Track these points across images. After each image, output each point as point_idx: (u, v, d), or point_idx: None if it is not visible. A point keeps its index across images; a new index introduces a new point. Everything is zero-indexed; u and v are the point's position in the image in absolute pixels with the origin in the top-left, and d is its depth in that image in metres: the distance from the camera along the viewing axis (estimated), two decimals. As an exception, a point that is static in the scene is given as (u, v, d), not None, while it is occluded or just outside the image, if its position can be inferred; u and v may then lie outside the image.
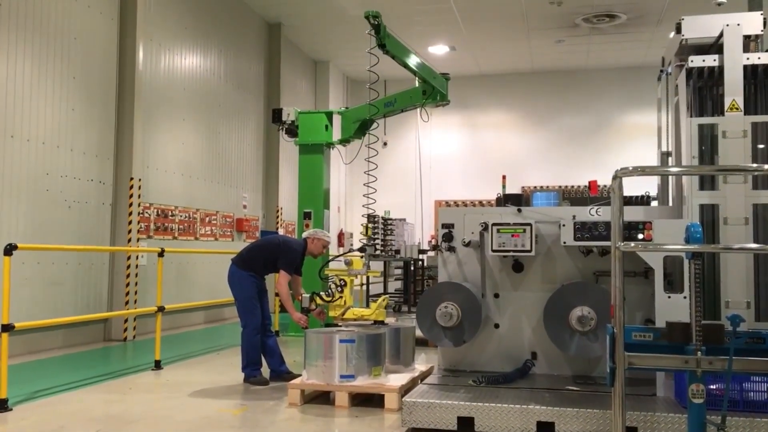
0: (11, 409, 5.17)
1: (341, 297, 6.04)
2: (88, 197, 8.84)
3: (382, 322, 5.86)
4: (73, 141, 8.61)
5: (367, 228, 6.50)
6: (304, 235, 6.68)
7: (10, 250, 5.24)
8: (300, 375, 5.95)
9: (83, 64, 8.81)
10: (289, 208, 14.24)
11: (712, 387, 3.90)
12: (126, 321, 9.10)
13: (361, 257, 6.32)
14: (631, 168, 3.03)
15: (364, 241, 6.34)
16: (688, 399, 3.07)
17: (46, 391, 5.85)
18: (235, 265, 6.44)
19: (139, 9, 9.53)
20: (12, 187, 7.65)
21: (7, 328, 5.20)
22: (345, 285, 6.07)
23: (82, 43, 8.79)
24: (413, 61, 8.66)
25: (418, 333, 5.95)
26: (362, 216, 7.14)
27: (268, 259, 6.38)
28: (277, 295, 7.29)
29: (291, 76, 14.89)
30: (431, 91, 9.20)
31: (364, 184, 7.50)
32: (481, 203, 16.91)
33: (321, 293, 6.19)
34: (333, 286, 6.08)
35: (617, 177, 3.05)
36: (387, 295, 6.07)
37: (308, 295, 6.20)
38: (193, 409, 5.33)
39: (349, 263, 6.14)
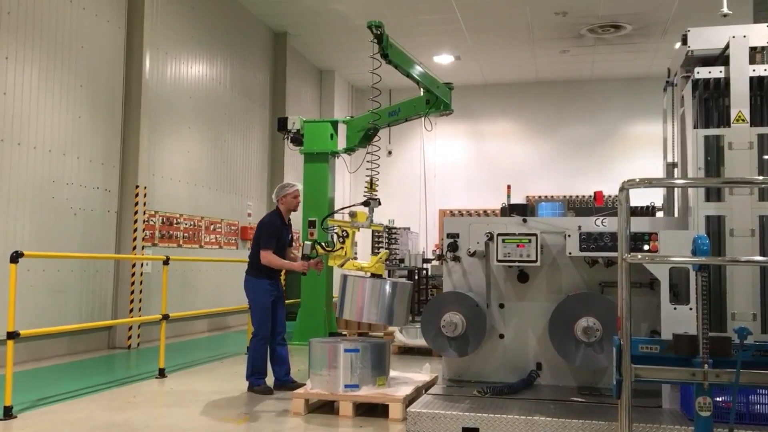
0: (16, 417, 5.17)
1: (342, 248, 6.00)
2: (93, 205, 8.86)
3: (379, 276, 5.78)
4: (80, 149, 8.64)
5: (371, 182, 6.45)
6: (273, 199, 6.61)
7: (16, 257, 5.25)
8: (305, 384, 5.97)
9: (90, 72, 8.86)
10: (293, 217, 14.23)
11: (718, 399, 3.89)
12: (130, 329, 9.10)
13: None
14: (638, 180, 3.03)
15: (368, 195, 6.29)
16: (695, 412, 3.06)
17: (51, 399, 5.85)
18: (246, 273, 6.44)
19: (146, 18, 9.59)
20: (18, 194, 7.68)
21: (13, 335, 5.20)
22: (347, 236, 6.02)
23: (89, 52, 8.84)
24: (416, 70, 8.67)
25: (423, 342, 5.93)
26: (366, 170, 7.06)
27: (258, 248, 6.35)
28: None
29: (296, 85, 14.94)
30: (434, 101, 9.21)
31: (370, 98, 7.36)
32: (485, 213, 16.90)
33: (322, 242, 6.15)
34: (335, 236, 6.06)
35: (624, 189, 3.05)
36: (387, 250, 6.03)
37: (309, 243, 6.15)
38: (197, 418, 5.32)
39: (353, 215, 6.09)
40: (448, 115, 9.70)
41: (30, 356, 7.70)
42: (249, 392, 6.22)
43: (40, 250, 7.74)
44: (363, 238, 17.17)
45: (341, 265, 6.00)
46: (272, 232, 6.33)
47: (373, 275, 5.75)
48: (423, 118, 9.73)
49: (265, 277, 6.34)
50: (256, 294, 6.33)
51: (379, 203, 6.28)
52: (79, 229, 8.60)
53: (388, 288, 5.51)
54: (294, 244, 6.83)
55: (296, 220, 14.02)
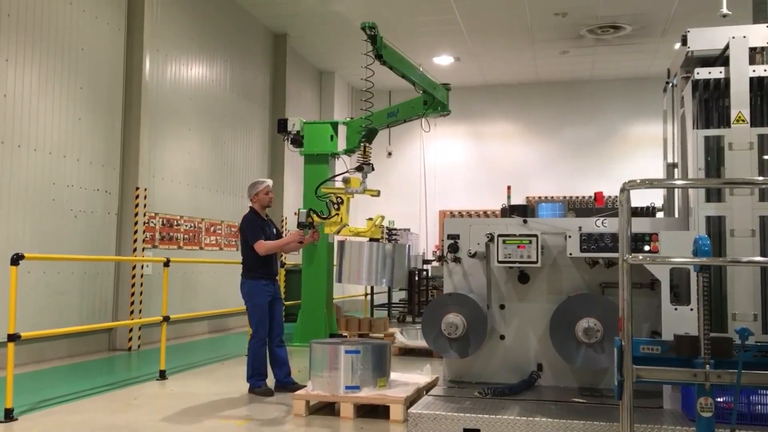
0: (17, 419, 5.17)
1: (338, 214, 5.98)
2: (94, 207, 8.86)
3: (377, 240, 5.75)
4: (80, 151, 8.65)
5: (365, 148, 6.40)
6: (248, 199, 6.61)
7: (17, 260, 5.25)
8: (305, 386, 5.97)
9: (90, 74, 8.86)
10: (293, 218, 14.24)
11: (719, 400, 3.89)
12: (131, 330, 9.10)
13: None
14: (638, 181, 3.03)
15: (362, 160, 6.26)
16: (697, 413, 3.06)
17: (51, 401, 5.85)
18: (241, 276, 6.44)
19: (146, 20, 9.59)
20: (19, 196, 7.68)
21: (14, 337, 5.20)
22: (342, 203, 6.01)
23: (89, 54, 8.84)
24: (412, 71, 8.65)
25: (423, 344, 5.92)
26: (361, 135, 6.99)
27: (248, 249, 6.34)
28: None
29: (296, 86, 14.94)
30: (432, 101, 9.21)
31: (363, 99, 7.30)
32: (485, 213, 16.90)
33: (318, 211, 6.14)
34: (330, 203, 6.04)
35: (625, 190, 3.05)
36: (383, 216, 6.02)
37: (305, 211, 6.13)
38: (198, 419, 5.32)
39: (346, 181, 6.07)
40: (445, 115, 9.69)
41: (31, 358, 7.70)
42: (250, 394, 6.21)
43: (41, 252, 7.74)
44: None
45: (337, 232, 5.99)
46: (255, 227, 6.35)
47: (371, 239, 5.75)
48: (421, 119, 9.72)
49: (261, 278, 6.34)
50: (252, 295, 6.32)
51: (373, 168, 6.24)
52: (80, 231, 8.60)
53: (386, 250, 5.49)
54: (284, 235, 6.78)
55: (296, 221, 14.03)
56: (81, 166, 8.66)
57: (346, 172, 6.27)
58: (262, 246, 6.23)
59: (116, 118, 9.35)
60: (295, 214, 6.23)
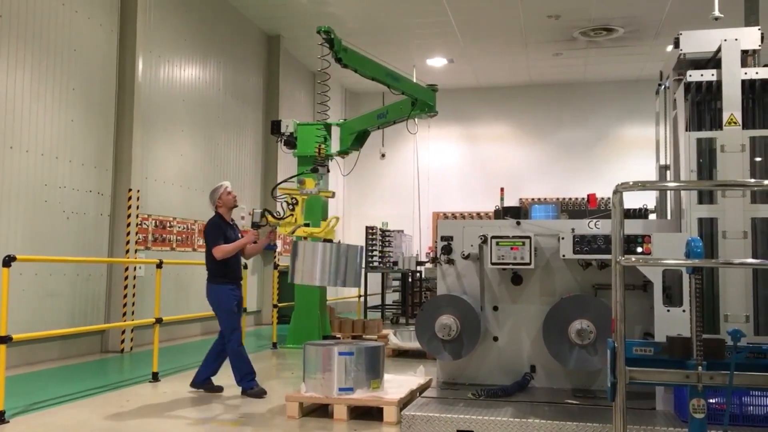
0: (8, 422, 5.14)
1: (292, 215, 5.99)
2: (86, 208, 8.83)
3: (330, 240, 5.76)
4: (72, 152, 8.61)
5: (319, 149, 6.44)
6: (212, 207, 6.60)
7: (8, 261, 5.22)
8: (220, 387, 6.39)
9: (83, 75, 8.83)
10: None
11: (711, 401, 3.90)
12: (123, 332, 9.07)
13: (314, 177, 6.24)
14: (631, 183, 3.04)
15: (318, 161, 6.29)
16: (689, 414, 3.07)
17: (43, 404, 5.82)
18: (207, 281, 6.42)
19: (138, 21, 9.57)
20: (11, 198, 7.65)
21: (5, 339, 5.17)
22: (296, 204, 6.02)
23: (81, 55, 8.81)
24: (381, 73, 8.63)
25: (417, 345, 5.93)
26: (316, 137, 6.97)
27: (211, 253, 6.34)
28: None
29: (290, 87, 14.93)
30: (419, 102, 9.18)
31: (319, 91, 7.30)
32: (479, 215, 16.93)
33: (272, 211, 6.13)
34: (284, 204, 6.05)
35: (618, 192, 3.06)
36: (337, 217, 6.05)
37: (259, 211, 6.14)
38: (191, 422, 5.31)
39: (301, 182, 6.09)
40: (433, 116, 9.68)
41: (22, 360, 7.66)
42: (243, 396, 6.20)
43: (33, 254, 7.70)
44: (356, 238, 17.22)
45: (292, 232, 6.02)
46: (216, 232, 6.33)
47: (325, 240, 5.76)
48: (410, 120, 9.71)
49: (227, 283, 6.34)
50: (220, 299, 6.32)
51: (328, 170, 6.28)
52: (72, 233, 8.56)
53: (338, 251, 5.49)
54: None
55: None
56: (73, 168, 8.62)
57: (302, 173, 6.29)
58: (219, 250, 6.24)
59: (109, 119, 9.32)
60: (250, 214, 6.25)
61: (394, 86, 8.79)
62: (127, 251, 9.26)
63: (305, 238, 6.04)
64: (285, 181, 6.09)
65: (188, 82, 11.18)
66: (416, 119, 9.69)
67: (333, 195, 6.61)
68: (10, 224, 7.63)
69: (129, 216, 9.31)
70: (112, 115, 9.38)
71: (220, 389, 6.40)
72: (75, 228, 8.62)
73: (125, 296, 9.18)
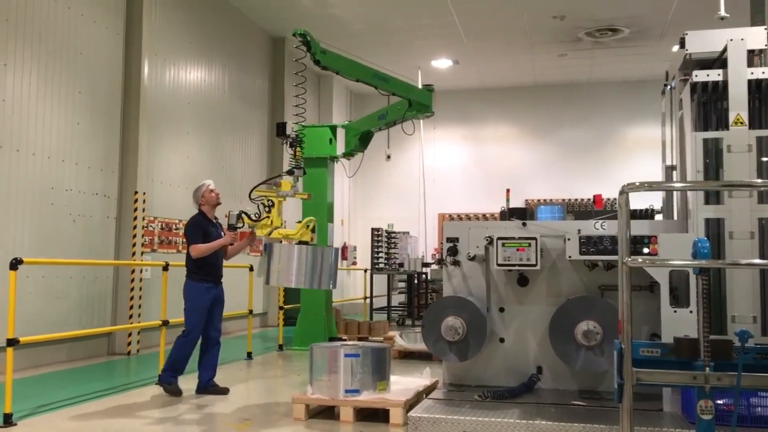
0: (15, 424, 5.15)
1: (268, 217, 6.03)
2: (92, 211, 8.86)
3: (306, 243, 5.78)
4: (78, 155, 8.64)
5: (295, 151, 6.47)
6: (194, 205, 6.64)
7: (15, 264, 5.25)
8: (227, 388, 6.39)
9: (89, 78, 8.86)
10: (292, 222, 14.23)
11: (719, 402, 3.88)
12: (130, 335, 9.09)
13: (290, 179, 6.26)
14: (638, 183, 3.04)
15: (294, 163, 6.33)
16: (697, 415, 3.06)
17: (50, 406, 5.84)
18: (186, 277, 6.46)
19: (144, 24, 9.60)
20: (17, 200, 7.68)
21: (13, 342, 5.20)
22: (272, 206, 6.05)
23: (87, 58, 8.84)
24: (367, 74, 8.61)
25: (422, 347, 5.93)
26: (293, 131, 6.99)
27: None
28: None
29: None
30: (415, 103, 9.15)
31: (295, 94, 7.29)
32: (484, 216, 16.91)
33: (249, 213, 6.16)
34: (261, 206, 6.09)
35: (624, 192, 3.05)
36: (313, 218, 6.07)
37: (236, 213, 6.17)
38: (197, 423, 5.32)
39: (277, 185, 6.13)
40: (429, 116, 9.66)
41: (29, 363, 7.69)
42: (159, 384, 6.31)
43: (40, 257, 7.73)
44: (361, 240, 17.23)
45: (268, 234, 6.04)
46: (195, 230, 6.38)
47: (300, 242, 5.78)
48: (421, 122, 9.73)
49: (204, 281, 6.37)
50: (191, 296, 6.36)
51: (304, 172, 6.32)
52: (79, 236, 8.59)
53: (313, 253, 5.51)
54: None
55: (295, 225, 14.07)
56: (80, 171, 8.65)
57: (278, 176, 6.33)
58: (195, 249, 6.30)
59: (115, 122, 9.35)
60: (226, 216, 6.29)
61: (382, 87, 8.77)
62: (134, 253, 9.28)
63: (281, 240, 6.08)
64: (263, 183, 6.15)
65: (194, 84, 11.21)
66: (420, 121, 9.68)
67: (309, 197, 6.64)
68: (17, 227, 7.66)
69: (135, 218, 9.34)
70: (118, 118, 9.41)
71: (225, 391, 6.42)
72: (81, 230, 8.64)
73: (131, 298, 9.20)
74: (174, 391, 6.25)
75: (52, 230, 8.16)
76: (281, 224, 6.04)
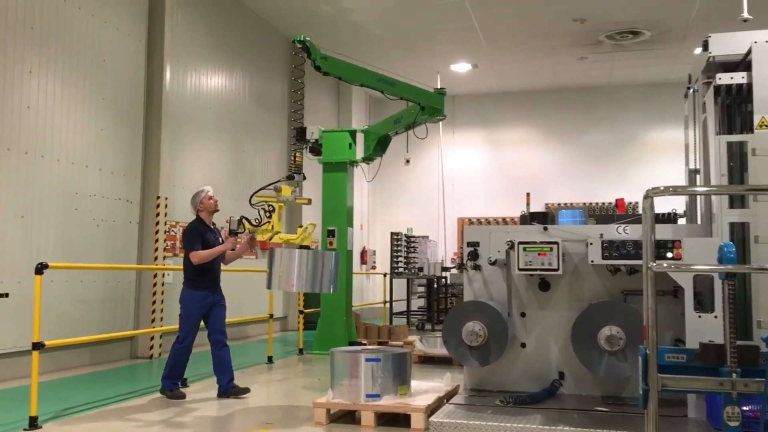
0: (41, 427, 5.21)
1: (269, 222, 6.04)
2: (115, 216, 8.95)
3: (307, 247, 5.81)
4: (102, 161, 8.74)
5: (295, 157, 6.52)
6: (192, 211, 6.68)
7: (41, 269, 5.32)
8: (248, 389, 6.48)
9: (112, 85, 8.97)
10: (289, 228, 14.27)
11: (744, 409, 3.83)
12: (152, 338, 9.16)
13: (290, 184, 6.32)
14: (663, 188, 3.01)
15: (294, 169, 6.37)
16: (723, 422, 3.02)
17: (74, 410, 5.90)
18: (183, 284, 6.52)
19: (166, 31, 9.70)
20: (42, 206, 7.78)
21: (38, 346, 5.27)
22: (273, 211, 6.08)
23: (110, 65, 8.95)
24: (371, 79, 8.61)
25: (442, 351, 5.91)
26: (292, 138, 7.09)
27: (186, 258, 6.43)
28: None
29: (314, 94, 15.00)
30: (428, 107, 9.15)
31: (292, 108, 7.37)
32: (504, 221, 16.86)
33: (249, 219, 6.22)
34: (261, 211, 6.10)
35: (649, 196, 3.03)
36: (314, 223, 6.11)
37: (237, 219, 6.21)
38: (219, 427, 5.34)
39: (278, 190, 6.15)
40: (440, 120, 9.64)
41: (53, 366, 7.78)
42: (161, 394, 6.36)
43: (64, 261, 7.82)
44: (381, 244, 17.23)
45: (269, 239, 6.08)
46: (193, 237, 6.42)
47: (301, 246, 5.81)
48: (425, 125, 9.70)
49: (200, 289, 6.41)
50: (186, 304, 6.43)
51: (304, 177, 6.36)
52: (102, 240, 8.68)
53: (314, 257, 5.53)
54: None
55: (316, 229, 14.09)
56: (103, 176, 8.75)
57: (279, 181, 6.36)
58: (195, 256, 6.34)
59: (138, 128, 9.44)
60: (227, 221, 6.32)
61: (389, 92, 8.77)
62: (156, 258, 9.36)
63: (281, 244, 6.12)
64: (263, 188, 6.21)
65: (215, 90, 11.29)
66: (440, 124, 9.67)
67: (309, 202, 6.68)
68: (42, 232, 7.76)
69: (157, 223, 9.42)
70: (141, 124, 9.51)
71: (246, 390, 6.46)
72: (105, 235, 8.74)
73: (154, 303, 9.28)
74: (177, 396, 6.32)
75: (76, 235, 8.26)
76: (282, 229, 6.09)
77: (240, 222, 6.19)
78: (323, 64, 8.04)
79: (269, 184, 6.31)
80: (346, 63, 8.45)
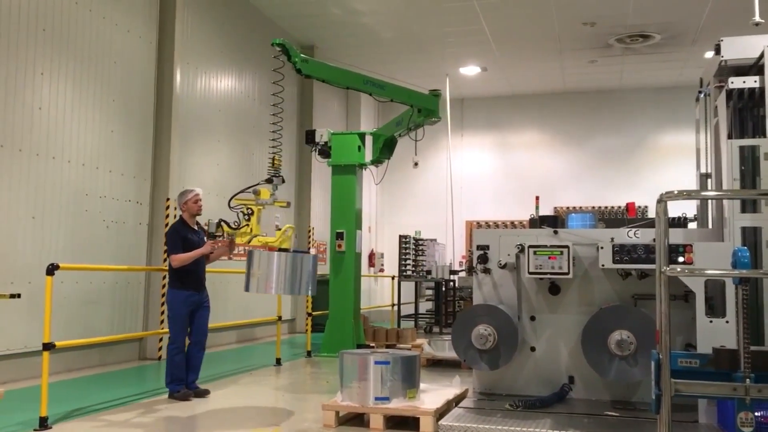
0: (51, 428, 5.23)
1: (247, 225, 6.05)
2: (125, 217, 8.98)
3: (286, 249, 5.83)
4: (112, 162, 8.78)
5: (273, 160, 6.55)
6: (177, 207, 6.69)
7: (52, 270, 5.34)
8: (208, 390, 6.56)
9: (122, 87, 9.01)
10: (320, 228, 14.30)
11: (756, 414, 3.81)
12: (161, 340, 9.18)
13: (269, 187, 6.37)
14: (676, 192, 3.00)
15: (272, 172, 6.40)
16: (737, 427, 3.00)
17: (84, 410, 5.91)
18: (168, 285, 6.57)
19: (177, 33, 9.73)
20: (53, 207, 7.82)
21: (48, 346, 5.29)
22: (252, 214, 6.09)
23: (121, 67, 8.99)
24: (357, 81, 8.59)
25: (451, 355, 5.91)
26: (270, 148, 7.13)
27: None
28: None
29: (323, 97, 15.02)
30: (420, 108, 9.13)
31: (272, 102, 7.38)
32: (513, 224, 16.82)
33: (228, 222, 6.25)
34: (240, 214, 6.10)
35: (662, 201, 3.01)
36: (291, 225, 6.13)
37: (215, 222, 6.23)
38: (227, 428, 5.34)
39: (256, 193, 6.18)
40: (435, 122, 9.61)
41: (63, 367, 7.81)
42: (170, 399, 6.38)
43: (74, 262, 7.85)
44: (389, 247, 17.22)
45: (248, 242, 6.11)
46: (175, 239, 6.45)
47: (280, 249, 5.82)
48: (423, 128, 9.68)
49: (184, 289, 6.46)
50: (172, 305, 6.48)
51: (283, 181, 6.41)
52: (112, 241, 8.71)
53: (293, 260, 5.56)
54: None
55: (324, 232, 14.04)
56: (113, 178, 8.79)
57: (258, 184, 6.40)
58: (175, 259, 6.39)
59: (148, 129, 9.48)
60: (206, 224, 6.33)
61: (378, 94, 8.73)
62: (165, 259, 9.37)
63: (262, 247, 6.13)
64: (242, 191, 6.23)
65: (224, 92, 11.33)
66: (448, 127, 9.65)
67: (288, 205, 6.71)
68: (52, 233, 7.79)
69: (167, 225, 9.44)
70: (151, 126, 9.54)
71: (206, 393, 6.57)
72: (114, 236, 8.77)
73: (162, 304, 9.29)
74: (182, 397, 6.38)
75: (86, 236, 8.29)
76: (261, 232, 6.12)
77: (219, 225, 6.22)
78: (304, 66, 8.02)
79: (248, 187, 6.36)
80: (328, 65, 8.42)
